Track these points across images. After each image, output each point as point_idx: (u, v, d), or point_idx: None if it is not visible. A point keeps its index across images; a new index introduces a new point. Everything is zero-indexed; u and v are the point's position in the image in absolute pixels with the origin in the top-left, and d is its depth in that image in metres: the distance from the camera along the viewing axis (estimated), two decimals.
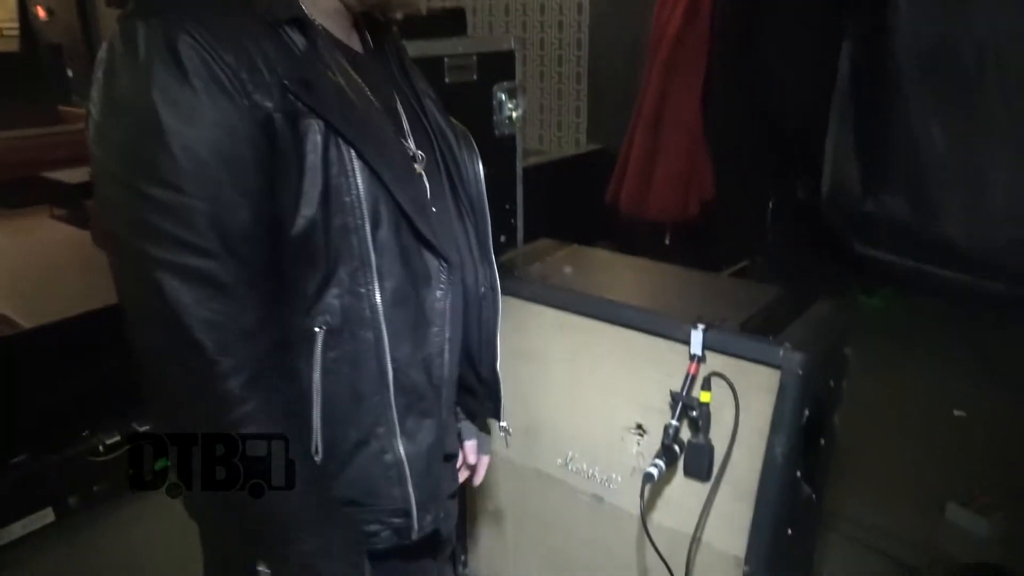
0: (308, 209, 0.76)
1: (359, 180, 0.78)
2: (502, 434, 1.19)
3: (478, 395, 1.14)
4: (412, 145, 0.91)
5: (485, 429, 1.23)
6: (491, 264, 1.05)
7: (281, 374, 0.79)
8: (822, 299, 1.50)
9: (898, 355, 3.35)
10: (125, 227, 0.72)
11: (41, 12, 6.30)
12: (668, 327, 1.40)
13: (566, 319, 1.56)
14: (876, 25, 3.62)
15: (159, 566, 2.13)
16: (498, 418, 1.17)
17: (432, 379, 0.91)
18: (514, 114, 1.83)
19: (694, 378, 1.35)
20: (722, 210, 3.65)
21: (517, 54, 1.84)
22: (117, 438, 2.41)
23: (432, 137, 0.98)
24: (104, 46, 0.71)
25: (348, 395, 0.83)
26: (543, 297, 1.57)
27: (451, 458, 1.06)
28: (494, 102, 1.79)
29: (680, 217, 3.51)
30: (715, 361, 1.36)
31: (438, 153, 0.98)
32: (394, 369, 0.84)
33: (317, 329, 0.80)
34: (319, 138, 0.75)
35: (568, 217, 3.93)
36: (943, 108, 3.62)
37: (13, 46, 6.14)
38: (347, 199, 0.78)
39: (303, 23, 0.78)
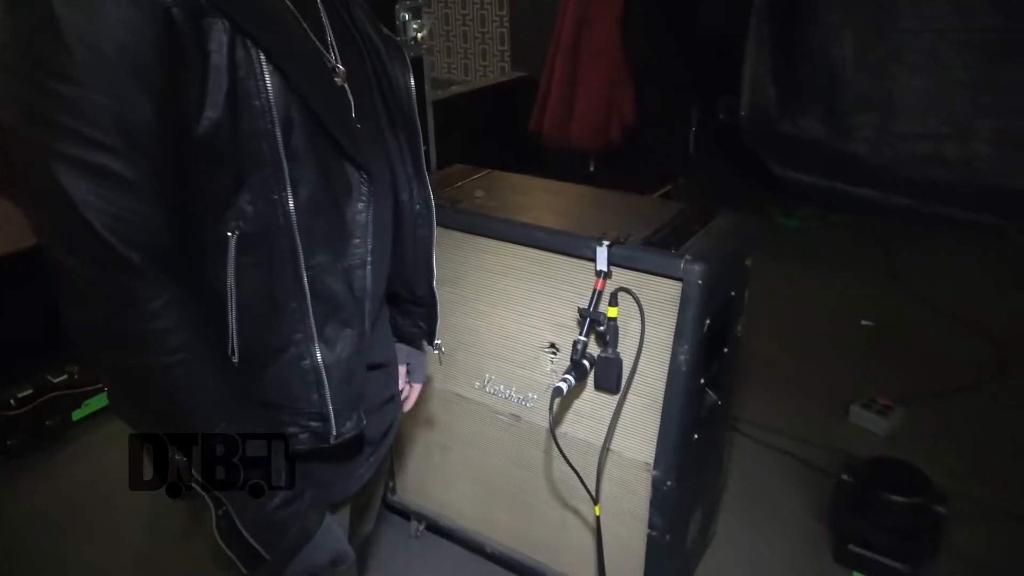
0: (212, 111, 0.74)
1: (268, 84, 0.76)
2: (436, 352, 1.21)
3: (412, 315, 1.15)
4: (334, 58, 0.88)
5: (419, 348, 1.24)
6: (424, 181, 1.04)
7: (194, 277, 0.79)
8: (725, 212, 1.53)
9: (814, 272, 3.49)
10: (26, 123, 0.69)
11: None
12: (575, 245, 1.41)
13: (478, 243, 1.56)
14: None
15: (76, 519, 2.10)
16: (431, 341, 1.19)
17: (354, 290, 0.91)
18: (419, 35, 1.76)
19: (600, 293, 1.37)
20: (645, 136, 3.67)
21: None
22: (29, 391, 2.34)
23: (363, 49, 0.95)
24: None
25: (264, 301, 0.84)
26: (454, 222, 1.56)
27: (377, 368, 1.06)
28: (397, 22, 1.72)
29: (603, 143, 3.51)
30: (621, 276, 1.38)
31: (369, 66, 0.95)
32: (309, 277, 0.85)
33: (229, 234, 0.80)
34: (224, 38, 0.73)
35: (494, 147, 3.88)
36: (856, 29, 3.70)
37: None
38: (256, 103, 0.77)
39: None
